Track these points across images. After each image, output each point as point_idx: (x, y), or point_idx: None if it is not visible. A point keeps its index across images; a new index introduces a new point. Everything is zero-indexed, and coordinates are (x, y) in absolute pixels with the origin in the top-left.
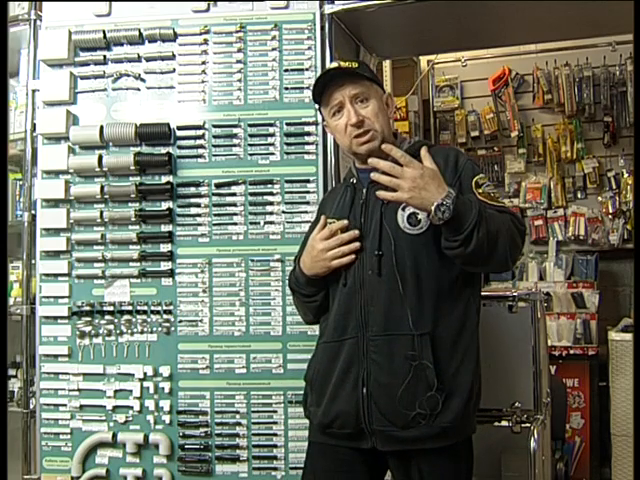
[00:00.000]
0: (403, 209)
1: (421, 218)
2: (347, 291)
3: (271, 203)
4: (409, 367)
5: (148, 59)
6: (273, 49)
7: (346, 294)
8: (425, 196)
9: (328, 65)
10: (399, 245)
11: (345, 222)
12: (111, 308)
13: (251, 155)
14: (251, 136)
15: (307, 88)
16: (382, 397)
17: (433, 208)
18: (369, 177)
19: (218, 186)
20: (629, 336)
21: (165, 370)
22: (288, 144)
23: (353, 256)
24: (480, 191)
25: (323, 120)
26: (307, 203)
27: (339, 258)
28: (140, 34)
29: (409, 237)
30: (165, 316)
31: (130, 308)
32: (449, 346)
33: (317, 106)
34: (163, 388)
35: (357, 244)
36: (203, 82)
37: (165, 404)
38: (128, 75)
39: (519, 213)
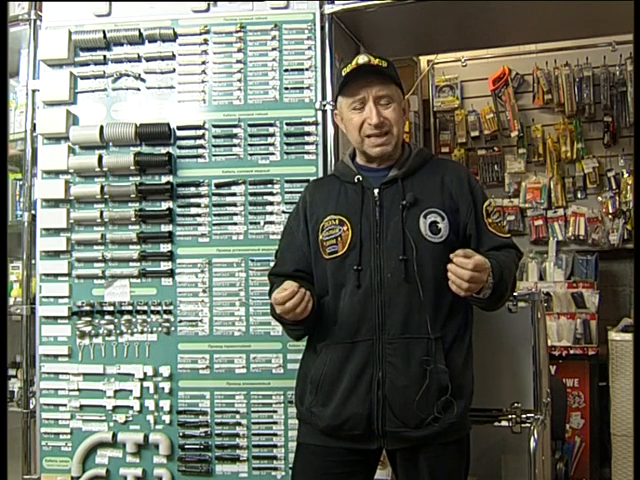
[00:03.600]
0: (425, 217)
1: (441, 227)
2: (362, 293)
3: (271, 203)
4: (424, 370)
5: (148, 59)
6: (273, 49)
7: (361, 296)
8: (478, 286)
9: (358, 57)
10: (420, 252)
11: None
12: (111, 308)
13: (251, 155)
14: (251, 136)
15: (307, 88)
16: (397, 400)
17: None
18: (378, 176)
19: (218, 186)
20: (629, 336)
21: (165, 370)
22: (288, 144)
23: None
24: (490, 221)
25: (335, 107)
26: None
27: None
28: (140, 34)
29: (430, 244)
30: (165, 316)
31: (130, 308)
32: (455, 349)
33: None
34: (163, 388)
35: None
36: (203, 82)
37: (165, 404)
38: (128, 75)
39: (519, 213)
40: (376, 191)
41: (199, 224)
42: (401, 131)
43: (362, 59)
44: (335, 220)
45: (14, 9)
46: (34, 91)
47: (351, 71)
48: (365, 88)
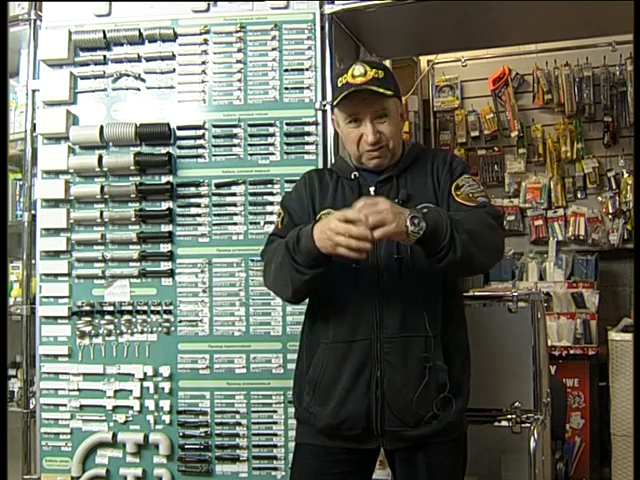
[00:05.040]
0: None
1: None
2: (360, 292)
3: (271, 203)
4: (423, 369)
5: (148, 59)
6: (273, 49)
7: (358, 295)
8: (401, 218)
9: (354, 68)
10: (415, 249)
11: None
12: (111, 308)
13: (251, 155)
14: (251, 136)
15: (307, 88)
16: (396, 398)
17: (408, 222)
18: (374, 173)
19: (218, 186)
20: (629, 336)
21: (165, 370)
22: (288, 144)
23: (359, 255)
24: (458, 193)
25: (332, 112)
26: None
27: (345, 248)
28: (140, 34)
29: None
30: (165, 316)
31: (130, 308)
32: (453, 347)
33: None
34: (163, 388)
35: (367, 247)
36: (203, 82)
37: (165, 404)
38: (128, 75)
39: (519, 213)
40: (372, 189)
41: (199, 224)
42: (398, 141)
43: (358, 70)
44: None
45: (14, 9)
46: (34, 91)
47: (346, 90)
48: (361, 106)
